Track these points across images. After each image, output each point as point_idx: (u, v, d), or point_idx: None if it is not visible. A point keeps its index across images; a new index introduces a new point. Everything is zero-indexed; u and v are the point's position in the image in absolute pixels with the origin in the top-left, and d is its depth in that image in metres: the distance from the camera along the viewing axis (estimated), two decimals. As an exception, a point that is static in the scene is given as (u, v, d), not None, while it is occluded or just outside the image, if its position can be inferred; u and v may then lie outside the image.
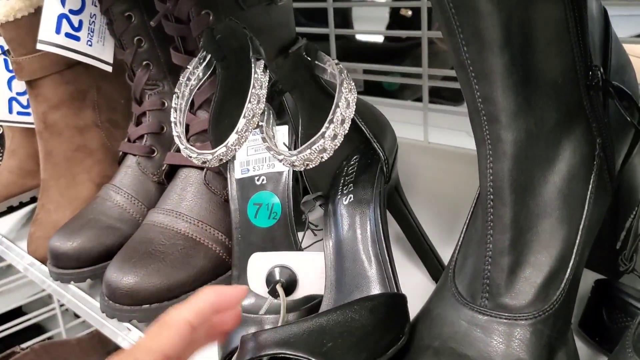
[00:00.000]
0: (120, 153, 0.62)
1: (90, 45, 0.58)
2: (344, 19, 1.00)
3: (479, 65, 0.30)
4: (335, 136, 0.38)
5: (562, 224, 0.32)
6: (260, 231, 0.48)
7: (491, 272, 0.33)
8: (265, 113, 0.44)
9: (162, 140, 0.61)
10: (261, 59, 0.45)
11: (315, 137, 0.38)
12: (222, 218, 0.53)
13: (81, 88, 0.66)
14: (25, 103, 0.70)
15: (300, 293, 0.45)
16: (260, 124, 0.43)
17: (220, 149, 0.43)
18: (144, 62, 0.60)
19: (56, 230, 0.61)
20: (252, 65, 0.44)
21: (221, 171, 0.54)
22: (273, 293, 0.44)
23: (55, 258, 0.56)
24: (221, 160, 0.43)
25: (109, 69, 0.62)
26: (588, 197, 0.32)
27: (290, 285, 0.44)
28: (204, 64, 0.48)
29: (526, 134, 0.31)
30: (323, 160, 0.38)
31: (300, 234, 0.48)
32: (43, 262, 0.62)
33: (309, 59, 0.43)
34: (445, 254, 0.52)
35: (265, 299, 0.44)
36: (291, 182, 0.49)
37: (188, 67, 0.48)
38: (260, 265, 0.46)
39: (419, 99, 0.83)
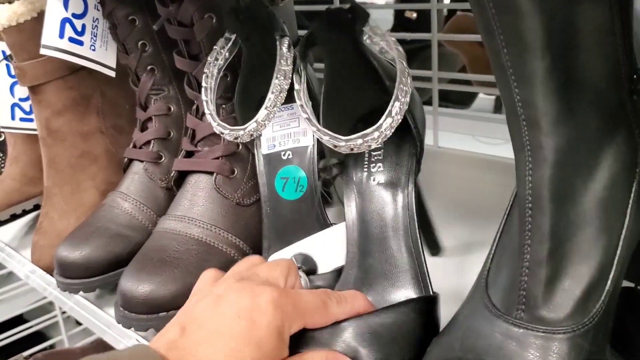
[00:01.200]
0: (126, 159, 0.61)
1: (94, 50, 0.57)
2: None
3: (519, 68, 0.29)
4: (391, 127, 0.37)
5: (603, 234, 0.31)
6: (288, 203, 0.50)
7: (528, 284, 0.32)
8: (302, 81, 0.44)
9: (169, 146, 0.59)
10: (285, 35, 0.45)
11: (371, 129, 0.37)
12: (235, 221, 0.52)
13: (85, 93, 0.65)
14: (27, 109, 0.68)
15: (321, 271, 0.45)
16: (297, 87, 0.43)
17: (251, 125, 0.44)
18: (149, 67, 0.59)
19: (62, 239, 0.60)
20: (277, 42, 0.45)
21: (232, 175, 0.52)
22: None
23: (63, 268, 0.55)
24: (252, 135, 0.45)
25: (113, 74, 0.61)
26: (630, 206, 0.31)
27: (310, 269, 0.45)
28: (230, 43, 0.48)
29: (567, 141, 0.30)
30: (370, 148, 0.38)
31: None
32: (47, 271, 0.61)
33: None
34: (459, 259, 0.52)
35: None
36: (316, 156, 0.50)
37: (215, 47, 0.48)
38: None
39: (426, 102, 0.82)
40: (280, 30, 0.46)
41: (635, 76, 0.29)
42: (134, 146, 0.60)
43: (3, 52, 0.68)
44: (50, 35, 0.54)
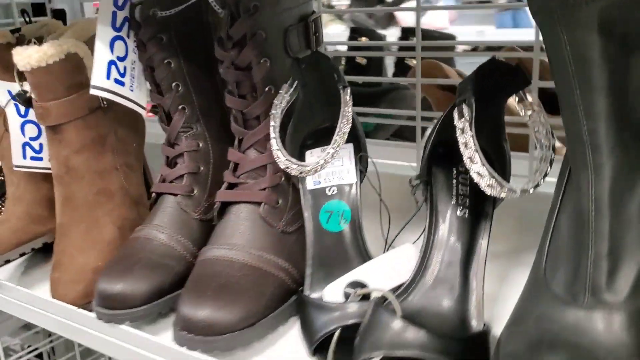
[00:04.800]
0: (154, 195, 0.64)
1: (132, 91, 0.60)
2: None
3: (588, 106, 0.38)
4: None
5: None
6: (332, 235, 0.56)
7: (593, 275, 0.40)
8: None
9: (199, 180, 0.63)
10: (347, 86, 0.51)
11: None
12: (282, 248, 0.57)
13: (101, 133, 0.67)
14: (37, 148, 0.69)
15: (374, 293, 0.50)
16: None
17: (320, 162, 0.51)
18: (180, 106, 0.63)
19: (86, 274, 0.62)
20: (342, 91, 0.53)
21: (277, 205, 0.58)
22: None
23: (106, 299, 0.56)
24: (316, 171, 0.52)
25: (144, 112, 0.64)
26: None
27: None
28: (292, 89, 0.55)
29: (621, 161, 0.39)
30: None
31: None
32: (75, 305, 0.62)
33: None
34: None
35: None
36: (359, 192, 0.57)
37: (280, 92, 0.55)
38: (335, 290, 0.51)
39: (388, 139, 0.91)
40: (343, 81, 0.53)
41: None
42: (163, 181, 0.63)
43: (9, 91, 0.68)
44: (99, 77, 0.57)
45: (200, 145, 0.64)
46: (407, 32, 1.13)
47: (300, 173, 0.51)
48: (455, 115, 0.46)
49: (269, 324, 0.53)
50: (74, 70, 0.64)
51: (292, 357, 0.52)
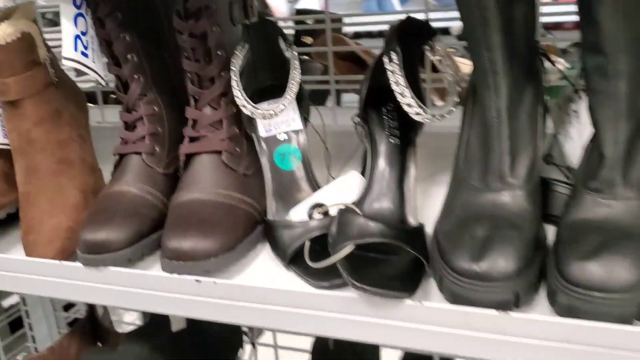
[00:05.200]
0: (117, 156, 0.71)
1: (94, 63, 0.67)
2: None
3: (488, 41, 0.52)
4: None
5: (532, 133, 0.56)
6: (287, 173, 0.67)
7: (500, 167, 0.55)
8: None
9: (159, 139, 0.72)
10: (292, 45, 0.62)
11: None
12: (245, 187, 0.66)
13: (57, 107, 0.73)
14: (-3, 127, 0.74)
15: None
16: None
17: (280, 107, 0.63)
18: (136, 76, 0.71)
19: (61, 233, 0.68)
20: (289, 49, 0.64)
21: (235, 152, 0.68)
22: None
23: (92, 246, 0.63)
24: (271, 115, 0.64)
25: (104, 83, 0.71)
26: (538, 116, 0.56)
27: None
28: (244, 51, 0.65)
29: (512, 84, 0.54)
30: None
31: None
32: (58, 259, 0.67)
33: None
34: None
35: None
36: (306, 135, 0.69)
37: (235, 52, 0.65)
38: (300, 212, 0.63)
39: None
40: (289, 41, 0.64)
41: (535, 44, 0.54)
42: (125, 143, 0.71)
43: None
44: (68, 49, 0.63)
45: (156, 109, 0.72)
46: (300, 14, 1.26)
47: (264, 117, 0.62)
48: (386, 60, 0.59)
49: (244, 248, 0.63)
50: (28, 48, 0.70)
51: (268, 271, 0.62)
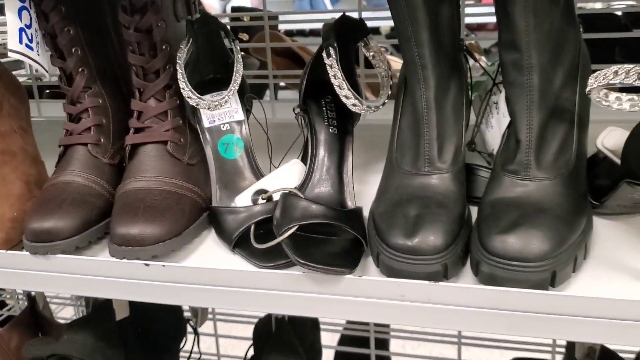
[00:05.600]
0: (62, 148, 0.72)
1: (39, 55, 0.68)
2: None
3: (417, 37, 0.57)
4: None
5: (457, 120, 0.61)
6: (230, 161, 0.71)
7: (429, 152, 0.60)
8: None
9: (104, 130, 0.73)
10: (236, 40, 0.66)
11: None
12: (190, 176, 0.69)
13: (-3, 99, 0.74)
14: None
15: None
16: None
17: (225, 98, 0.66)
18: (80, 69, 0.72)
19: (5, 223, 0.69)
20: (233, 44, 0.68)
21: (180, 142, 0.70)
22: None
23: (40, 234, 0.64)
24: (216, 106, 0.66)
25: (47, 75, 0.72)
26: (464, 105, 0.62)
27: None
28: (188, 45, 0.68)
29: (439, 76, 0.59)
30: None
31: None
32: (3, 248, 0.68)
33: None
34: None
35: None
36: (248, 126, 0.73)
37: (181, 46, 0.67)
38: (244, 198, 0.66)
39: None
40: (232, 35, 0.67)
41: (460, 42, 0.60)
42: (70, 134, 0.72)
43: None
44: (13, 41, 0.64)
45: (101, 101, 0.74)
46: (237, 11, 1.28)
47: (209, 108, 0.65)
48: (324, 55, 0.63)
49: (191, 234, 0.66)
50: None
51: (215, 255, 0.65)
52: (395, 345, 1.24)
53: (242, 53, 1.26)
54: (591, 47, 1.01)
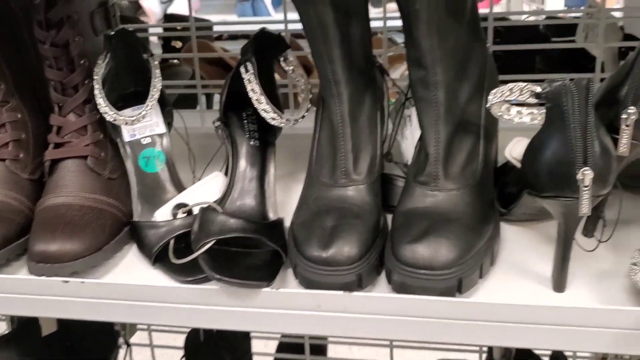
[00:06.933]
0: (-22, 164, 0.71)
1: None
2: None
3: (329, 54, 0.59)
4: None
5: (371, 133, 0.63)
6: (151, 175, 0.71)
7: (345, 165, 0.62)
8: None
9: (23, 145, 0.72)
10: (153, 55, 0.66)
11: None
12: (111, 190, 0.69)
13: None
14: None
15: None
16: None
17: (142, 113, 0.66)
18: (-4, 83, 0.71)
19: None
20: (150, 59, 0.68)
21: (100, 156, 0.70)
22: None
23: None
24: (134, 121, 0.67)
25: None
26: (378, 118, 0.64)
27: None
28: (107, 60, 0.68)
29: (351, 91, 0.61)
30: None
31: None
32: None
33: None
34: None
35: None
36: (170, 139, 0.72)
37: (98, 62, 0.68)
38: (164, 212, 0.67)
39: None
40: (149, 51, 0.67)
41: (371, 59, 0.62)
42: (-12, 150, 0.71)
43: None
44: None
45: (19, 116, 0.73)
46: (170, 19, 1.28)
47: (126, 124, 0.65)
48: (242, 70, 0.64)
49: (111, 249, 0.66)
50: None
51: (136, 270, 0.65)
52: (332, 350, 1.26)
53: (176, 61, 1.27)
54: (513, 57, 1.06)
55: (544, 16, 1.24)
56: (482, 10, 0.80)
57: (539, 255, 0.61)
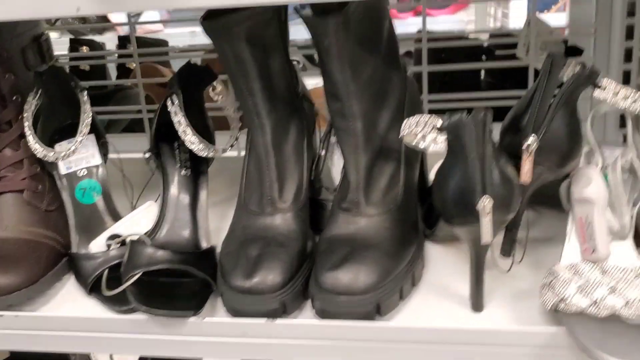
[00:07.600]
0: None
1: None
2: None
3: (249, 88, 0.61)
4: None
5: (297, 162, 0.65)
6: (88, 207, 0.72)
7: (270, 194, 0.64)
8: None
9: (-36, 179, 0.73)
10: (85, 89, 0.67)
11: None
12: (48, 223, 0.70)
13: None
14: None
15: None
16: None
17: (72, 147, 0.68)
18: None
19: None
20: (80, 94, 0.69)
21: (37, 189, 0.71)
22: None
23: None
24: (68, 155, 0.68)
25: None
26: (305, 146, 0.66)
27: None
28: (37, 96, 0.69)
29: (274, 122, 0.63)
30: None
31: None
32: None
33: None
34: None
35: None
36: (106, 170, 0.74)
37: (28, 99, 0.69)
38: (99, 244, 0.68)
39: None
40: (80, 86, 0.68)
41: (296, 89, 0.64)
42: None
43: None
44: None
45: (-33, 147, 0.74)
46: (124, 40, 1.29)
47: (56, 159, 0.66)
48: (169, 103, 0.66)
49: (48, 281, 0.67)
50: None
51: (74, 301, 0.66)
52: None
53: (129, 83, 1.27)
54: (459, 72, 1.08)
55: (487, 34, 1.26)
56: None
57: (461, 275, 0.63)
